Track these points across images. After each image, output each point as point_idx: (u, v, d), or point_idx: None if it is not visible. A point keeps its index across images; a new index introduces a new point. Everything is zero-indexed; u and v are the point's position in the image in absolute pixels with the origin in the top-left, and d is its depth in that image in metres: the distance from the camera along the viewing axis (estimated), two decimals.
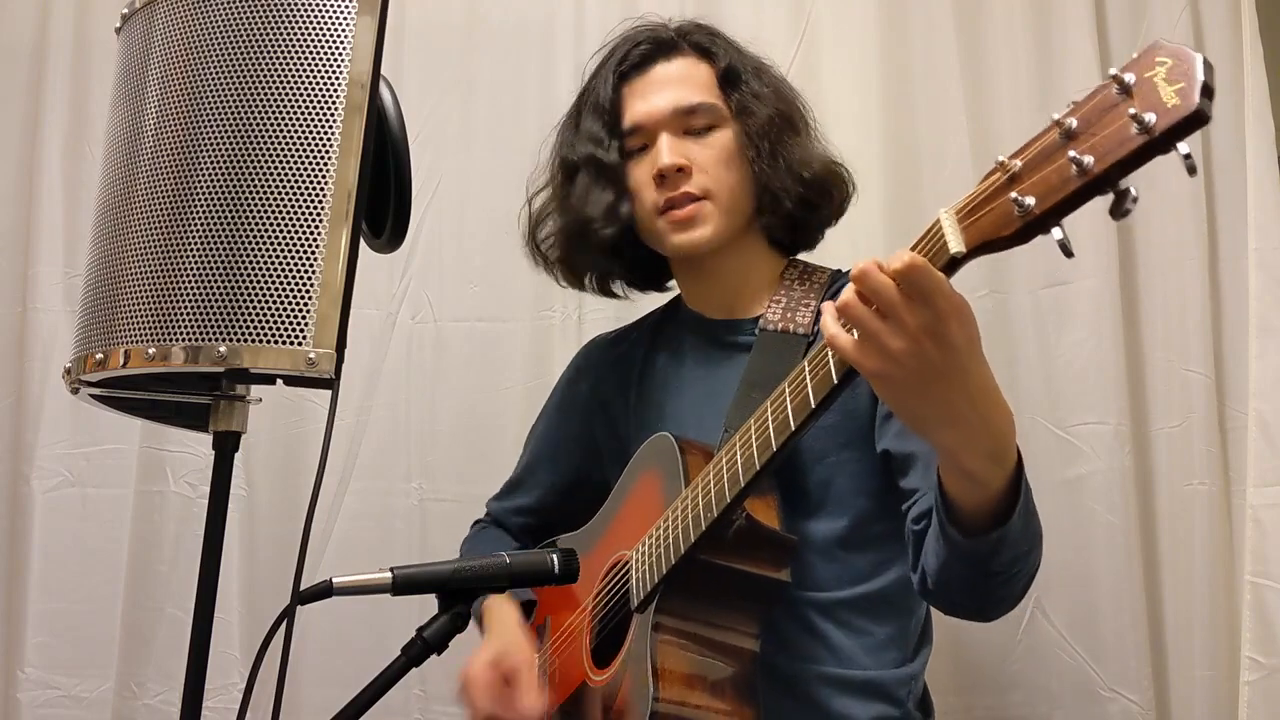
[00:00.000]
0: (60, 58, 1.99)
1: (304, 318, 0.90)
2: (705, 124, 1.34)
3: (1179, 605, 1.66)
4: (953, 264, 0.85)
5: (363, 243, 0.97)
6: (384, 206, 1.04)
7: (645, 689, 1.13)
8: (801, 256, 1.44)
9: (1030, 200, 0.78)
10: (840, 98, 1.79)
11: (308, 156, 0.92)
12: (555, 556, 1.03)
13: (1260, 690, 1.58)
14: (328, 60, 0.94)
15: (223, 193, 0.93)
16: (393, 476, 1.86)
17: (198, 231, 0.93)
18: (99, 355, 0.96)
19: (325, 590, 0.94)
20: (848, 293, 0.87)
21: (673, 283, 1.50)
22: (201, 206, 0.93)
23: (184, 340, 0.91)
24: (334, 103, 0.94)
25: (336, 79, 0.94)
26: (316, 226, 0.91)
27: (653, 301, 1.56)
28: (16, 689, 1.87)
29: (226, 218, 0.92)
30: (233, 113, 0.94)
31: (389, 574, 0.98)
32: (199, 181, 0.94)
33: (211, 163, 0.94)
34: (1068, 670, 1.64)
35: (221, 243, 0.92)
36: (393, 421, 1.87)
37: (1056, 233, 0.79)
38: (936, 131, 1.79)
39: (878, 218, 1.75)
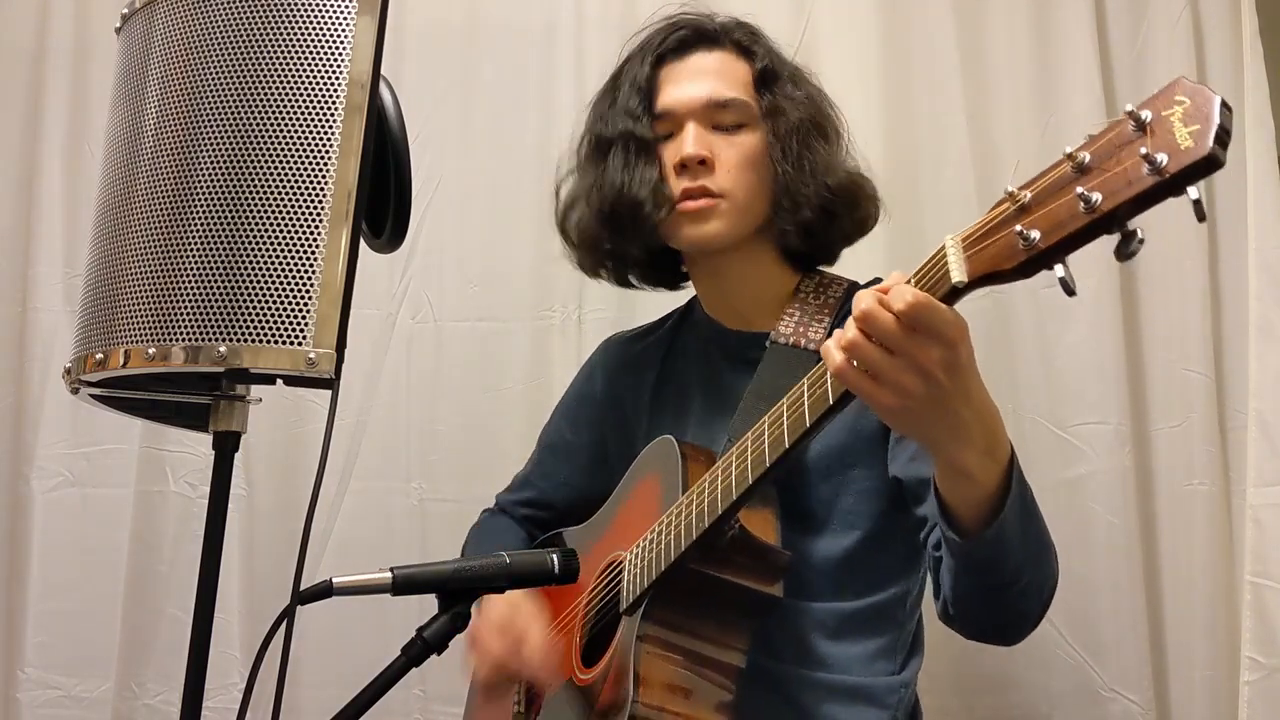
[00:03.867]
0: (60, 58, 1.98)
1: (304, 318, 0.90)
2: (735, 121, 1.31)
3: (1179, 605, 1.66)
4: (954, 293, 0.84)
5: (363, 243, 0.97)
6: (384, 206, 1.04)
7: (626, 692, 1.13)
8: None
9: (1035, 234, 0.77)
10: (839, 98, 1.76)
11: (308, 156, 0.92)
12: (555, 556, 1.03)
13: (1260, 690, 1.57)
14: (328, 60, 0.95)
15: (223, 193, 0.93)
16: (393, 476, 1.86)
17: (198, 231, 0.93)
18: (99, 355, 0.96)
19: (325, 590, 0.94)
20: (853, 330, 0.86)
21: (687, 284, 1.48)
22: (201, 206, 0.93)
23: (184, 340, 0.91)
24: (334, 103, 0.94)
25: (336, 79, 0.94)
26: (316, 226, 0.91)
27: (653, 300, 1.55)
28: (16, 689, 1.87)
29: (226, 218, 0.92)
30: (233, 113, 0.94)
31: (389, 574, 0.98)
32: (199, 181, 0.94)
33: (211, 163, 0.94)
34: (1068, 670, 1.64)
35: (221, 243, 0.92)
36: (393, 421, 1.87)
37: (1059, 270, 0.77)
38: (936, 131, 1.78)
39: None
